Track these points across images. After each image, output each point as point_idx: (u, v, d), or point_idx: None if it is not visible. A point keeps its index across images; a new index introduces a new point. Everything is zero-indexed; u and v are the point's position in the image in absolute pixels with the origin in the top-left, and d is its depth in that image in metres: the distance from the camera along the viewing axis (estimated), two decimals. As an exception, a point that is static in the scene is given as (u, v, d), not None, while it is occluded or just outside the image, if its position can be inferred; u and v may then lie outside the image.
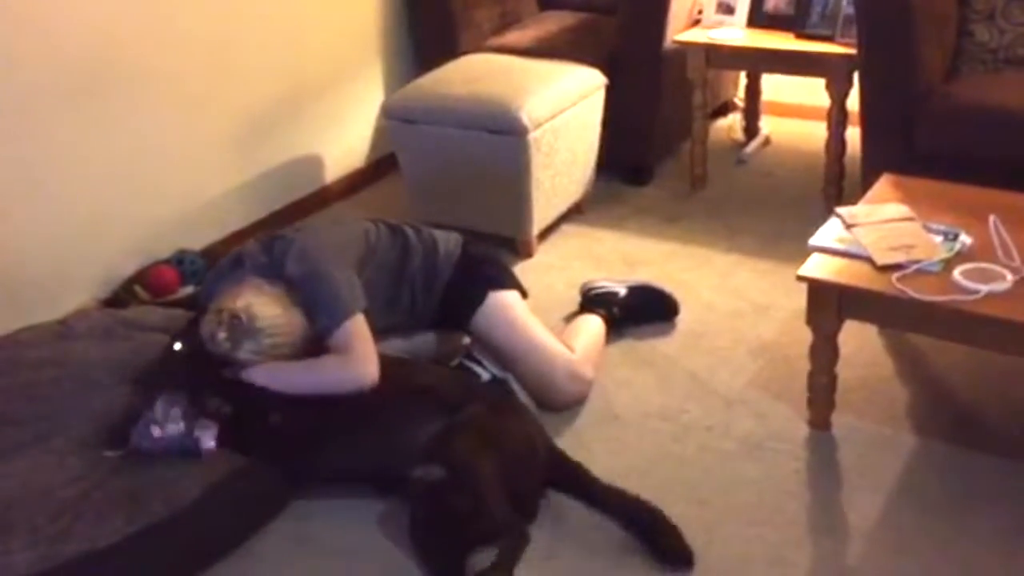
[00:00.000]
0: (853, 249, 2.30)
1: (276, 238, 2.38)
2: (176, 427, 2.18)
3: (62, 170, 2.88)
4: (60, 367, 2.39)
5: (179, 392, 2.23)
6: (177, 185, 3.25)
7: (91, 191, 2.97)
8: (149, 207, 3.16)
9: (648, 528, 2.06)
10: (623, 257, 3.29)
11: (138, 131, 3.08)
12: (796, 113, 4.33)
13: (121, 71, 2.99)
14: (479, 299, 2.50)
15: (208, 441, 2.19)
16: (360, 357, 2.22)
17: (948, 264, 2.20)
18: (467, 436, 2.06)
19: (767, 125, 4.25)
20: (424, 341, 2.60)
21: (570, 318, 2.84)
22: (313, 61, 3.68)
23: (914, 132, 2.96)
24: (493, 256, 2.69)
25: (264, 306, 2.22)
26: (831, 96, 3.37)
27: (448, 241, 2.59)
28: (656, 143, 3.82)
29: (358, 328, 2.24)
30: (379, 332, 2.44)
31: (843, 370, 2.44)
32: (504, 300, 2.53)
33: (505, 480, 1.99)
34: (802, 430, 2.40)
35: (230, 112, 3.39)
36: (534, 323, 2.53)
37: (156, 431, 2.17)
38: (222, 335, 2.19)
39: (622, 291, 2.83)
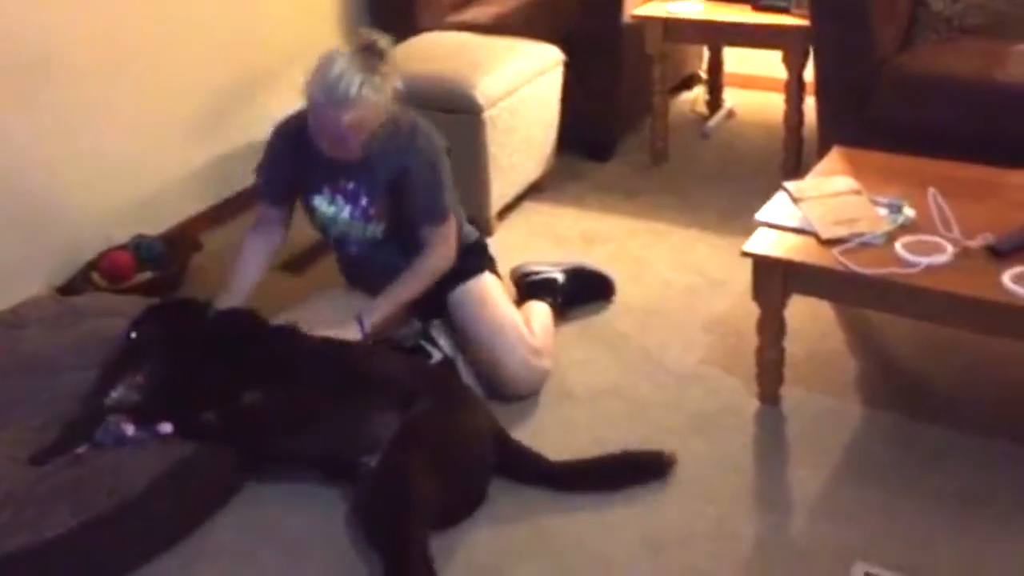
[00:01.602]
0: (799, 223, 2.31)
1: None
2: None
3: (15, 157, 2.85)
4: (8, 356, 2.39)
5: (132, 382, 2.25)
6: (135, 170, 3.22)
7: (46, 177, 2.95)
8: (106, 192, 3.14)
9: (614, 470, 2.15)
10: (582, 234, 3.29)
11: (94, 116, 3.06)
12: (761, 85, 4.32)
13: (74, 56, 2.96)
14: (471, 274, 2.55)
15: (165, 427, 2.20)
16: (449, 251, 2.51)
17: (891, 237, 2.20)
18: (414, 451, 2.05)
19: (731, 98, 4.24)
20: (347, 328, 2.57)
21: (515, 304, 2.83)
22: (270, 42, 3.65)
23: (868, 103, 2.96)
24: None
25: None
26: (788, 68, 3.37)
27: (470, 234, 2.69)
28: (617, 118, 3.81)
29: (450, 227, 2.51)
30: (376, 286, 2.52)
31: (793, 343, 2.46)
32: (488, 280, 2.58)
33: (446, 490, 2.02)
34: (752, 404, 2.42)
35: (187, 95, 3.36)
36: (507, 305, 2.55)
37: (130, 430, 2.18)
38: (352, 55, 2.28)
39: (560, 277, 2.81)
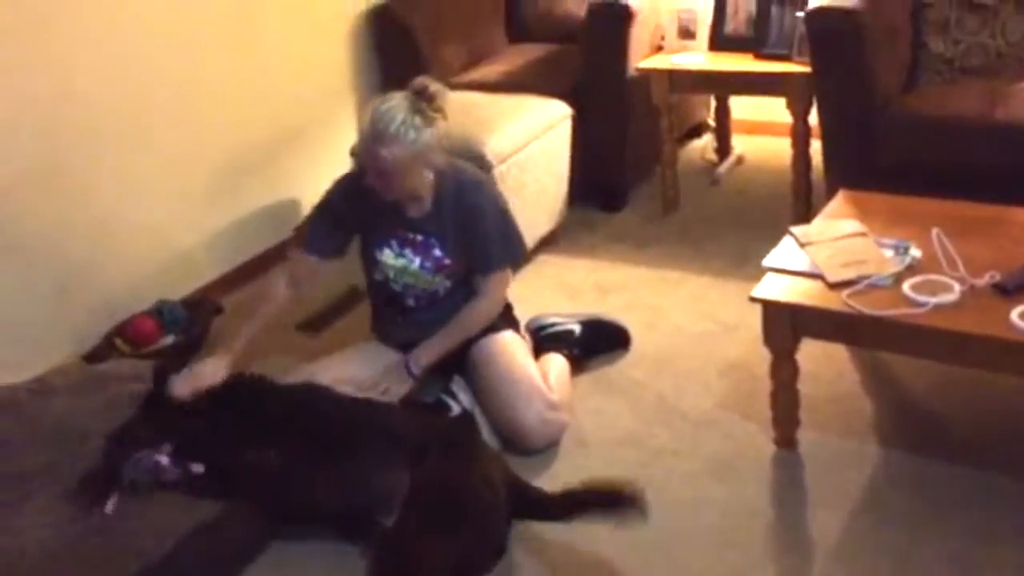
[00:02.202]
0: (806, 268, 2.34)
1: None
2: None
3: (36, 227, 2.94)
4: (36, 424, 2.44)
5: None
6: (155, 236, 3.30)
7: (67, 247, 3.03)
8: (127, 260, 3.22)
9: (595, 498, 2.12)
10: (595, 285, 3.33)
11: (113, 185, 3.14)
12: (769, 130, 4.38)
13: (94, 125, 3.06)
14: (494, 330, 2.61)
15: (198, 467, 2.24)
16: (502, 297, 2.66)
17: (899, 278, 2.23)
18: (422, 510, 2.07)
19: (740, 144, 4.29)
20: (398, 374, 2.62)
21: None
22: (284, 106, 3.74)
23: (873, 146, 3.00)
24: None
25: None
26: (793, 114, 3.41)
27: None
28: (627, 169, 3.87)
29: (507, 275, 2.65)
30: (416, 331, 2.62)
31: (809, 385, 2.48)
32: (510, 337, 2.64)
33: (460, 544, 2.04)
34: (768, 448, 2.43)
35: (204, 162, 3.45)
36: (527, 360, 2.58)
37: (164, 460, 2.23)
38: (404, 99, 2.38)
39: (577, 329, 2.84)
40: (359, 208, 2.55)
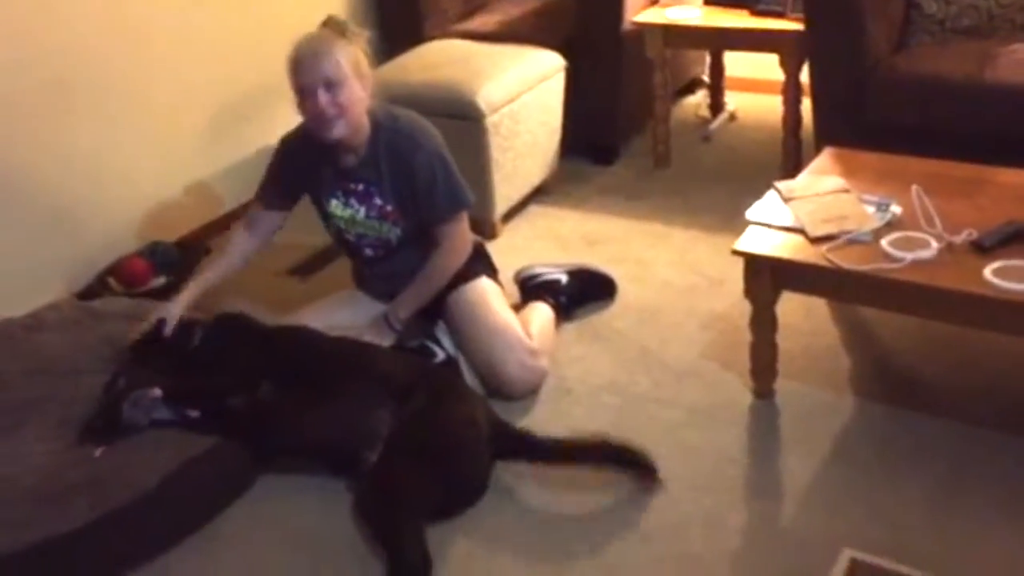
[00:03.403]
0: (789, 222, 2.37)
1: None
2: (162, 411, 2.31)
3: (32, 166, 2.97)
4: (29, 358, 2.49)
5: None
6: (150, 179, 3.34)
7: (63, 186, 3.06)
8: (122, 200, 3.25)
9: (608, 454, 2.19)
10: (585, 236, 3.36)
11: (110, 124, 3.17)
12: (762, 88, 4.38)
13: (90, 65, 3.08)
14: (470, 278, 2.62)
15: (193, 412, 2.30)
16: (465, 244, 2.63)
17: (878, 234, 2.27)
18: (409, 448, 2.14)
19: (733, 101, 4.31)
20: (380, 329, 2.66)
21: (516, 307, 2.90)
22: (282, 51, 3.72)
23: (862, 104, 3.02)
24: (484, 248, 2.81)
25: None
26: (785, 71, 3.43)
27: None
28: (620, 123, 3.89)
29: (462, 223, 2.62)
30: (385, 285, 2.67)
31: (789, 338, 2.53)
32: (486, 284, 2.65)
33: (443, 482, 2.12)
34: (747, 398, 2.48)
35: (201, 104, 3.47)
36: (504, 308, 2.61)
37: (160, 402, 2.29)
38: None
39: (564, 278, 2.88)
40: (301, 167, 2.59)
